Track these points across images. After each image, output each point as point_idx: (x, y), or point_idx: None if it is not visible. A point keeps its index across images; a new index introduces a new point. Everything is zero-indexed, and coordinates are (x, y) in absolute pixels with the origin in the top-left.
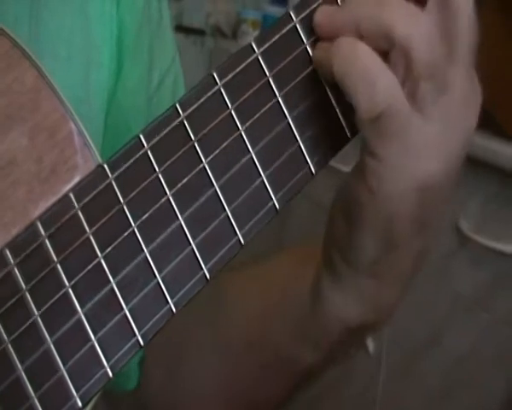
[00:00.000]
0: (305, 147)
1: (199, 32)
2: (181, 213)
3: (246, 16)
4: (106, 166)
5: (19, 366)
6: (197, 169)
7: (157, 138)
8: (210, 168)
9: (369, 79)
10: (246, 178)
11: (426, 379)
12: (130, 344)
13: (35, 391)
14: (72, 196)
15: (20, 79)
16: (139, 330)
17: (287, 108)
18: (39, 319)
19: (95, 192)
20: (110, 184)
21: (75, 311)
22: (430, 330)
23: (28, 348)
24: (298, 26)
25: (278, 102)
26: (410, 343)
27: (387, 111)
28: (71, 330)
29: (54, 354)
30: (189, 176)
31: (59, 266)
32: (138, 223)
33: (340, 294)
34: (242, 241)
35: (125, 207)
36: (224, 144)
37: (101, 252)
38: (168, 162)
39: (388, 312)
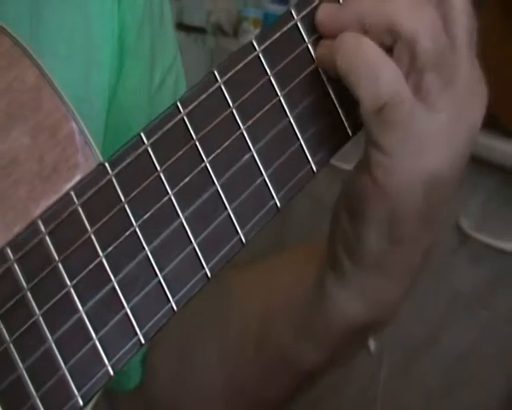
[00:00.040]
0: (306, 145)
1: (200, 31)
2: (182, 212)
3: (247, 14)
4: (107, 164)
5: (20, 365)
6: (199, 168)
7: (158, 136)
8: (211, 167)
9: (372, 70)
10: (247, 177)
11: (426, 378)
12: (131, 343)
13: (36, 390)
14: (72, 194)
15: (21, 78)
16: (140, 329)
17: (288, 107)
18: (41, 319)
19: (95, 189)
20: (111, 181)
21: (76, 310)
22: (430, 328)
23: (29, 347)
24: (299, 25)
25: (279, 100)
26: (411, 342)
27: (391, 102)
28: (72, 329)
29: (55, 353)
30: (191, 175)
31: (60, 265)
32: (140, 222)
33: (344, 291)
34: (244, 240)
35: (126, 206)
36: (226, 143)
37: (103, 251)
38: (169, 161)
39: (391, 311)
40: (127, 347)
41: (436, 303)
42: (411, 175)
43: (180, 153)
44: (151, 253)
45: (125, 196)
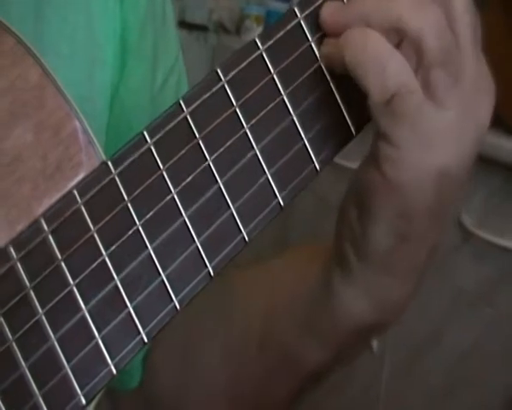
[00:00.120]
0: (309, 144)
1: (202, 28)
2: (185, 211)
3: (249, 12)
4: (110, 162)
5: (23, 363)
6: (202, 167)
7: (161, 134)
8: (214, 166)
9: (379, 62)
10: (250, 176)
11: (429, 377)
12: (134, 342)
13: (39, 389)
14: (75, 192)
15: (24, 76)
16: (143, 328)
17: (291, 105)
18: (43, 317)
19: (98, 188)
20: (114, 180)
21: (79, 308)
22: (433, 326)
23: (32, 346)
24: (302, 23)
25: (283, 99)
26: (413, 340)
27: (399, 93)
28: (75, 328)
29: (58, 351)
30: (194, 173)
31: (63, 264)
32: (143, 221)
33: (350, 289)
34: (247, 238)
35: (129, 205)
36: (229, 142)
37: (106, 250)
38: (172, 160)
39: (397, 311)
40: (130, 346)
41: (439, 301)
42: (420, 170)
43: (183, 151)
44: (154, 252)
45: (128, 195)
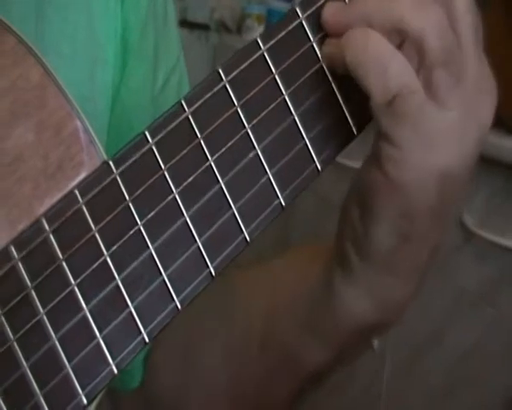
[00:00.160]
0: (311, 144)
1: (203, 27)
2: (187, 211)
3: (250, 11)
4: (111, 162)
5: (24, 363)
6: (203, 167)
7: (162, 134)
8: (216, 166)
9: (381, 63)
10: (252, 176)
11: (430, 376)
12: (135, 342)
13: (40, 389)
14: (77, 192)
15: (25, 76)
16: (144, 328)
17: (293, 106)
18: (45, 317)
19: (100, 187)
20: (115, 180)
21: (80, 308)
22: (434, 326)
23: (33, 346)
24: (304, 23)
25: (284, 99)
26: (415, 340)
27: (401, 93)
28: (76, 328)
29: (59, 351)
30: (195, 174)
31: (64, 264)
32: (144, 221)
33: (352, 289)
34: (248, 238)
35: (130, 205)
36: (230, 142)
37: (107, 250)
38: (174, 160)
39: (398, 311)
40: (131, 346)
41: (440, 301)
42: (422, 171)
43: (184, 152)
44: (155, 251)
45: (130, 195)
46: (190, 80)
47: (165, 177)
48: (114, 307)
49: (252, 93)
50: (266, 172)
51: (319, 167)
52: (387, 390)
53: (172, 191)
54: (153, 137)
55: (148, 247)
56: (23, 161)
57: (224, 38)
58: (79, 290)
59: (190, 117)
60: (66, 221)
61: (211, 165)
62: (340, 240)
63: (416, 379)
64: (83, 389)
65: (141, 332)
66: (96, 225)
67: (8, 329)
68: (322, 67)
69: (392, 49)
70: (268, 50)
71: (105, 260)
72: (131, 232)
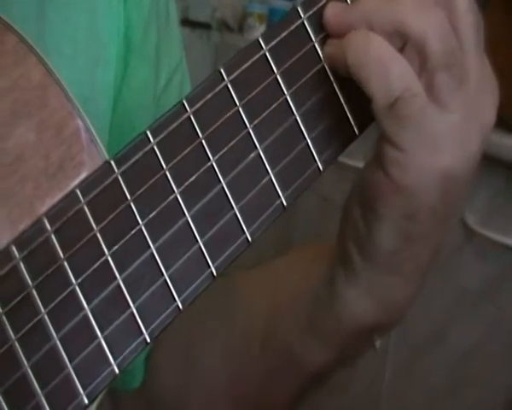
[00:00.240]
0: (312, 144)
1: (205, 26)
2: (188, 211)
3: (252, 10)
4: (112, 162)
5: (25, 363)
6: (205, 167)
7: (164, 134)
8: (217, 166)
9: (383, 66)
10: (253, 176)
11: (431, 376)
12: (136, 342)
13: (41, 389)
14: (78, 191)
15: (26, 76)
16: (146, 328)
17: (294, 106)
18: (46, 317)
19: (101, 187)
20: (117, 179)
21: (82, 308)
22: (436, 326)
23: (34, 346)
24: (306, 23)
25: (286, 99)
26: (416, 339)
27: (403, 96)
28: (77, 328)
29: (60, 351)
30: (197, 173)
31: (66, 264)
32: (145, 221)
33: (353, 289)
34: (250, 238)
35: (132, 205)
36: (232, 142)
37: (109, 249)
38: (175, 159)
39: (399, 312)
40: (133, 345)
41: (442, 300)
42: (425, 173)
43: (186, 151)
44: (157, 251)
45: (131, 195)
46: (192, 79)
47: (166, 177)
48: (116, 306)
49: (253, 93)
50: (268, 172)
51: (321, 167)
52: (388, 390)
53: (174, 191)
54: (154, 137)
55: (149, 247)
56: (24, 161)
57: (226, 37)
58: (81, 290)
59: (192, 117)
60: (67, 221)
61: (212, 165)
62: (342, 240)
63: (417, 379)
64: (84, 389)
65: (142, 332)
66: (97, 224)
67: (10, 328)
68: (324, 68)
69: (393, 51)
70: (270, 50)
71: (106, 260)
72: (133, 232)
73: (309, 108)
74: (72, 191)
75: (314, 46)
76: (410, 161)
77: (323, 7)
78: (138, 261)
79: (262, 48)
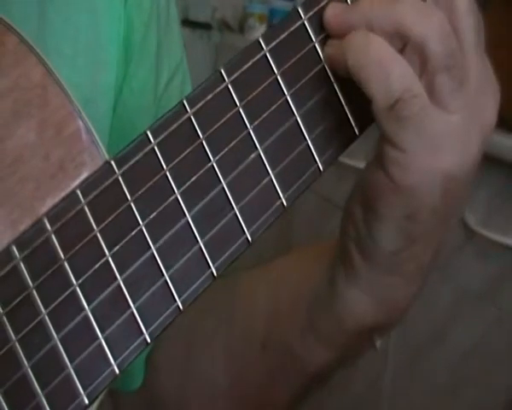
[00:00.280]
0: (313, 145)
1: (205, 27)
2: (188, 211)
3: (252, 10)
4: (113, 162)
5: (25, 363)
6: (205, 167)
7: (164, 135)
8: (218, 166)
9: (383, 67)
10: (254, 176)
11: (432, 376)
12: (137, 342)
13: (42, 389)
14: (79, 192)
15: (27, 75)
16: (146, 328)
17: (295, 106)
18: (46, 317)
19: (101, 188)
20: (117, 180)
21: (82, 309)
22: (436, 325)
23: (35, 346)
24: (306, 24)
25: (286, 100)
26: (417, 339)
27: (403, 97)
28: (78, 328)
29: (61, 351)
30: (197, 174)
31: (66, 264)
32: (146, 221)
33: (354, 289)
34: (250, 239)
35: (132, 205)
36: (233, 142)
37: (109, 250)
38: (176, 160)
39: (400, 312)
40: (133, 346)
41: (442, 300)
42: (427, 173)
43: (186, 152)
44: (157, 252)
45: (132, 195)
46: (192, 79)
47: (167, 177)
48: (116, 307)
49: (254, 94)
50: (268, 172)
51: (321, 168)
52: (389, 390)
53: (174, 192)
54: (155, 138)
55: (149, 247)
56: (24, 162)
57: (226, 37)
58: (81, 291)
59: (192, 117)
60: (67, 221)
61: (213, 165)
62: (343, 239)
63: (418, 378)
64: (84, 390)
65: (142, 333)
66: (97, 225)
67: (10, 329)
68: (325, 68)
69: (393, 52)
70: (270, 51)
71: (107, 261)
72: (133, 233)
73: (309, 108)
74: (73, 192)
75: (314, 47)
76: (411, 162)
77: (324, 7)
78: (139, 262)
79: (262, 48)
